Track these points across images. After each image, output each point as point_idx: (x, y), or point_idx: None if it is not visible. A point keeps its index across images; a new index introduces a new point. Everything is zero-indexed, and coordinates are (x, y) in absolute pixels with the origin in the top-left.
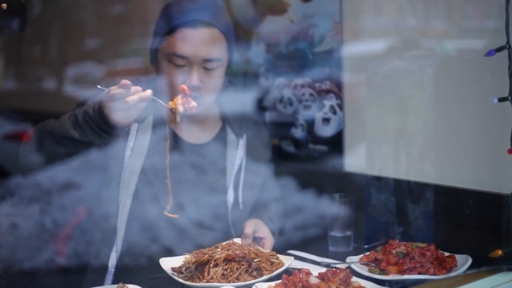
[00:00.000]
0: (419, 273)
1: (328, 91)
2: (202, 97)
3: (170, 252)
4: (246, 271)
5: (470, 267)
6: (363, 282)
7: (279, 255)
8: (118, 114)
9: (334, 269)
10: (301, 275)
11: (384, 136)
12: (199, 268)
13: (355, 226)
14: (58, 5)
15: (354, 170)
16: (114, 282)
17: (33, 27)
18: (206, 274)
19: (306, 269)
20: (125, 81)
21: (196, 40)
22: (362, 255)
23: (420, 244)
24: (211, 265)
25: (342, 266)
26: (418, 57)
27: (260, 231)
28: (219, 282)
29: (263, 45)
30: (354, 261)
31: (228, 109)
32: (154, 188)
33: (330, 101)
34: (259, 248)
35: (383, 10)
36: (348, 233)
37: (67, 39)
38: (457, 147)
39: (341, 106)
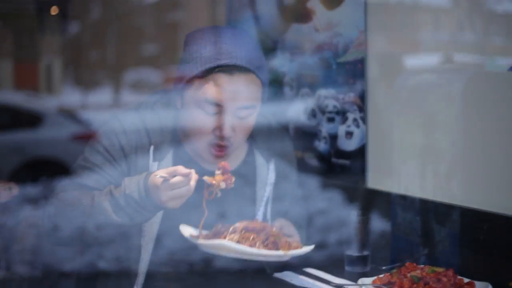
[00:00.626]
0: None
1: (351, 104)
2: (232, 144)
3: None
4: (263, 243)
5: None
6: None
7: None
8: (176, 201)
9: None
10: None
11: (410, 153)
12: (217, 236)
13: (377, 246)
14: (116, 10)
15: (377, 187)
16: None
17: (92, 31)
18: (222, 238)
19: None
20: (181, 168)
21: (232, 87)
22: (375, 277)
23: (437, 269)
24: (229, 231)
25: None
26: (447, 70)
27: (288, 229)
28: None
29: (288, 54)
30: (366, 283)
31: (257, 132)
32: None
33: (353, 114)
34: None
35: (409, 22)
36: (365, 252)
37: (125, 44)
38: (486, 167)
39: (364, 120)
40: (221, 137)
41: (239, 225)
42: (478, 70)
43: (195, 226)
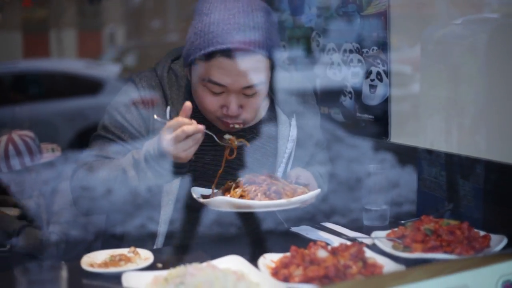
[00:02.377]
0: (444, 252)
1: (375, 57)
2: (243, 120)
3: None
4: (264, 193)
5: (504, 248)
6: (380, 258)
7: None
8: (177, 147)
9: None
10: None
11: (434, 106)
12: (223, 193)
13: (402, 201)
14: None
15: (400, 141)
16: None
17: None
18: (226, 195)
19: (322, 242)
20: (181, 118)
21: (235, 70)
22: (390, 231)
23: (451, 222)
24: (233, 187)
25: (367, 240)
26: (471, 22)
27: (305, 178)
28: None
29: (315, 9)
30: (379, 236)
31: (278, 84)
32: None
33: (377, 68)
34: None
35: None
36: (384, 207)
37: (185, 11)
38: (510, 120)
39: (387, 73)
40: (228, 115)
41: (242, 179)
42: (503, 21)
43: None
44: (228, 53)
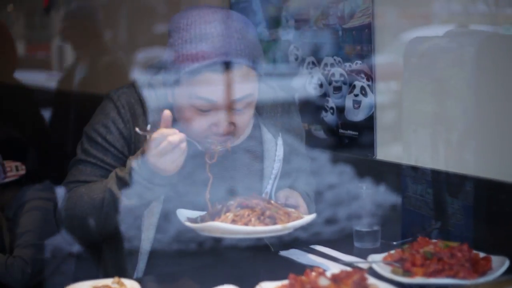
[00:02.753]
0: (447, 276)
1: (359, 72)
2: (232, 137)
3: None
4: (258, 218)
5: (508, 271)
6: (382, 285)
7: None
8: (164, 159)
9: (351, 269)
10: (312, 275)
11: (420, 122)
12: (213, 217)
13: (387, 221)
14: None
15: (386, 158)
16: None
17: (103, 11)
18: (216, 220)
19: (320, 269)
20: (165, 113)
21: (224, 83)
22: (386, 254)
23: (450, 243)
24: (223, 211)
25: (364, 265)
26: (458, 34)
27: (294, 199)
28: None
29: (293, 21)
30: (377, 260)
31: (260, 101)
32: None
33: (361, 83)
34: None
35: None
36: (375, 228)
37: (136, 23)
38: (500, 135)
39: (372, 88)
40: (219, 134)
41: (233, 202)
42: (491, 34)
43: (197, 204)
44: (214, 67)
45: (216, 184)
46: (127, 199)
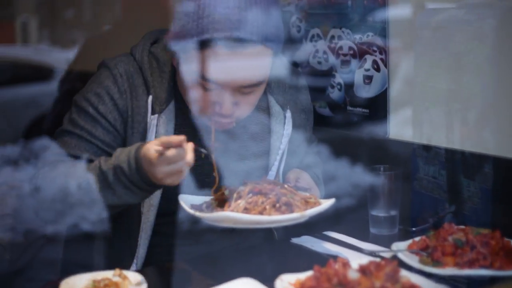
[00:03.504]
0: (482, 267)
1: (370, 44)
2: (236, 118)
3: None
4: (274, 206)
5: None
6: (413, 277)
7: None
8: (174, 177)
9: (378, 259)
10: (337, 267)
11: (435, 98)
12: (221, 204)
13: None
14: None
15: (399, 137)
16: None
17: None
18: (226, 208)
19: (344, 259)
20: (175, 138)
21: (234, 63)
22: (410, 241)
23: (482, 230)
24: (234, 198)
25: (387, 254)
26: (477, 5)
27: (305, 180)
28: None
29: None
30: (402, 249)
31: (270, 74)
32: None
33: (372, 56)
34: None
35: None
36: (393, 212)
37: (102, 2)
38: None
39: (385, 62)
40: (222, 114)
41: (244, 188)
42: None
43: (201, 187)
44: (227, 42)
45: (219, 159)
46: (104, 197)
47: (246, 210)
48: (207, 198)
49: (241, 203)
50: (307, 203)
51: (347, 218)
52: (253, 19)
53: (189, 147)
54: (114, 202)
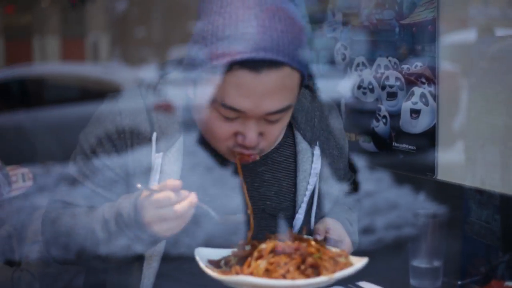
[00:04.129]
0: None
1: (419, 76)
2: (261, 150)
3: None
4: (298, 267)
5: None
6: None
7: (350, 257)
8: (162, 225)
9: None
10: None
11: (490, 136)
12: (240, 262)
13: (446, 252)
14: None
15: (449, 178)
16: None
17: (138, 7)
18: (245, 268)
19: None
20: (172, 182)
21: (259, 89)
22: None
23: None
24: (254, 256)
25: None
26: None
27: (336, 232)
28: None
29: (340, 15)
30: None
31: (296, 106)
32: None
33: (421, 88)
34: (327, 246)
35: None
36: (436, 263)
37: (171, 20)
38: None
39: (435, 96)
40: (245, 146)
41: (265, 246)
42: None
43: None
44: (250, 65)
45: (232, 208)
46: (110, 246)
47: (267, 271)
48: (226, 253)
49: (262, 263)
50: (336, 264)
51: (386, 267)
52: (278, 39)
53: (188, 198)
54: (120, 252)
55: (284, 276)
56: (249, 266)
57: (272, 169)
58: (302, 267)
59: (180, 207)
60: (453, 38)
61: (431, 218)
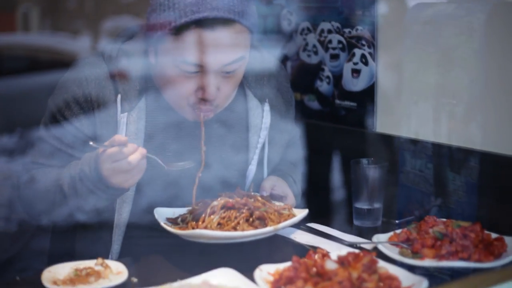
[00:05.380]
0: (461, 259)
1: (359, 38)
2: (219, 104)
3: None
4: (247, 220)
5: None
6: (391, 268)
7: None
8: (119, 176)
9: (357, 251)
10: (316, 258)
11: (423, 93)
12: (196, 218)
13: (385, 197)
14: None
15: (386, 131)
16: None
17: None
18: (200, 223)
19: (323, 250)
20: (119, 137)
21: (213, 44)
22: (391, 233)
23: (462, 223)
24: (207, 213)
25: (368, 246)
26: (466, 0)
27: (280, 188)
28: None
29: None
30: (382, 241)
31: (248, 68)
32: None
33: (361, 50)
34: (271, 201)
35: None
36: (377, 205)
37: None
38: (509, 107)
39: (374, 56)
40: (205, 100)
41: (217, 203)
42: (502, 1)
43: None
44: (205, 24)
45: (195, 157)
46: (77, 201)
47: (220, 225)
48: (182, 211)
49: (215, 218)
50: (280, 215)
51: (331, 210)
52: (228, 0)
53: (138, 149)
54: (86, 206)
55: (235, 228)
56: (203, 221)
57: (227, 125)
58: (250, 219)
59: (132, 158)
60: (390, 3)
61: (370, 165)
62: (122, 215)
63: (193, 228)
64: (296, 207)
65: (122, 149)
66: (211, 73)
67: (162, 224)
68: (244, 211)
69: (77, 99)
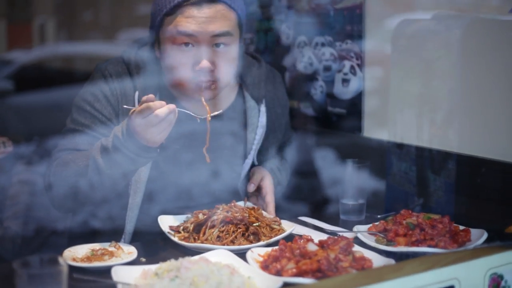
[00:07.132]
0: (429, 246)
1: (349, 51)
2: (217, 80)
3: None
4: (243, 235)
5: (486, 242)
6: (366, 252)
7: (282, 221)
8: (150, 131)
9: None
10: (301, 242)
11: (407, 101)
12: (196, 229)
13: (373, 195)
14: None
15: (373, 135)
16: None
17: None
18: (201, 235)
19: (307, 236)
20: (147, 97)
21: (201, 16)
22: (371, 225)
23: (432, 216)
24: (208, 225)
25: (349, 235)
26: (446, 17)
27: (265, 188)
28: (213, 244)
29: (286, 0)
30: (362, 230)
31: (245, 72)
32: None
33: (350, 62)
34: (263, 212)
35: None
36: (361, 201)
37: (120, 3)
38: (483, 115)
39: (361, 67)
40: (202, 71)
41: (216, 217)
42: (476, 18)
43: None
44: (194, 2)
45: (197, 152)
46: (109, 168)
47: (219, 238)
48: (183, 218)
49: (215, 231)
50: (272, 230)
51: (321, 205)
52: None
53: (163, 103)
54: (116, 173)
55: (232, 242)
56: (204, 233)
57: (227, 123)
58: (246, 234)
59: (160, 111)
60: (377, 19)
61: (356, 165)
62: (136, 199)
63: (194, 239)
64: (286, 207)
65: (149, 105)
66: (203, 45)
67: (166, 232)
68: (241, 226)
69: (104, 92)
